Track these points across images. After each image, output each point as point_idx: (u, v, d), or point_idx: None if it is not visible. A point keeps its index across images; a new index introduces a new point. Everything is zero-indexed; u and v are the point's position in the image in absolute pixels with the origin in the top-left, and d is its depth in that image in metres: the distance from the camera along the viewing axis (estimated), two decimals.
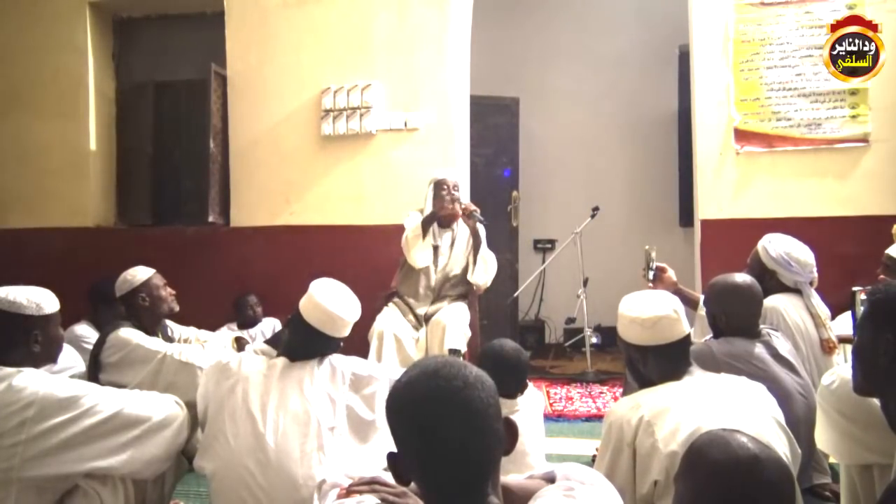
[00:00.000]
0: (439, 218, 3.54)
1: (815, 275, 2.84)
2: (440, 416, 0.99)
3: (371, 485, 1.17)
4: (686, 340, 1.88)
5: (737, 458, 1.10)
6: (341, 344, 2.19)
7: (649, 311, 1.85)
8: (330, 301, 2.08)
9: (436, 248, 3.59)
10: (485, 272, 3.57)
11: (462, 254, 3.61)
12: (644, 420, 1.69)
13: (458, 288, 3.64)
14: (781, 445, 1.69)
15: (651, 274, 2.86)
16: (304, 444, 1.95)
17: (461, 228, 3.62)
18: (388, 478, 1.15)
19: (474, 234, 3.54)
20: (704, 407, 1.69)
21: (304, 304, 2.10)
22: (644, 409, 1.72)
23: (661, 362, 1.86)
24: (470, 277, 3.57)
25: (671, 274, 2.88)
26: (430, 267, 3.58)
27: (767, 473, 1.08)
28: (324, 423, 1.97)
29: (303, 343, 2.12)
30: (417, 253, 3.48)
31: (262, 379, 2.03)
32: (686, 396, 1.74)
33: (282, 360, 2.09)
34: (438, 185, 3.61)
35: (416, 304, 3.56)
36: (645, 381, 1.93)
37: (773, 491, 1.08)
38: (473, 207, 3.52)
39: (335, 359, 2.13)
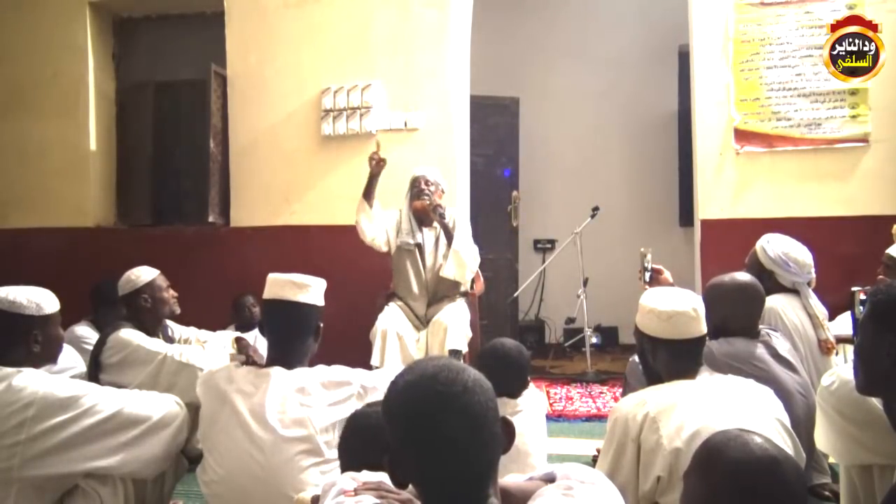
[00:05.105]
0: (416, 214, 3.57)
1: (813, 275, 2.84)
2: (440, 421, 0.99)
3: (378, 490, 1.17)
4: (700, 341, 1.88)
5: (756, 458, 1.10)
6: (321, 324, 2.08)
7: (668, 305, 1.86)
8: (285, 274, 2.09)
9: (420, 247, 3.59)
10: (456, 266, 3.49)
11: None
12: (649, 416, 1.70)
13: (457, 287, 3.62)
14: (786, 448, 1.69)
15: (647, 276, 2.86)
16: (299, 455, 1.88)
17: None
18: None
19: (444, 229, 3.53)
20: (710, 406, 1.70)
21: (265, 291, 2.08)
22: (650, 405, 1.72)
23: (671, 358, 1.87)
24: (441, 273, 3.53)
25: (668, 276, 2.88)
26: (419, 266, 3.57)
27: (785, 474, 1.09)
28: (320, 433, 1.91)
29: (278, 325, 2.05)
30: (362, 222, 3.53)
31: (254, 390, 1.95)
32: (692, 395, 1.75)
33: (275, 370, 1.99)
34: (413, 182, 3.63)
35: (413, 304, 3.56)
36: (652, 375, 1.94)
37: (789, 492, 1.09)
38: (437, 203, 3.52)
39: (336, 370, 2.05)
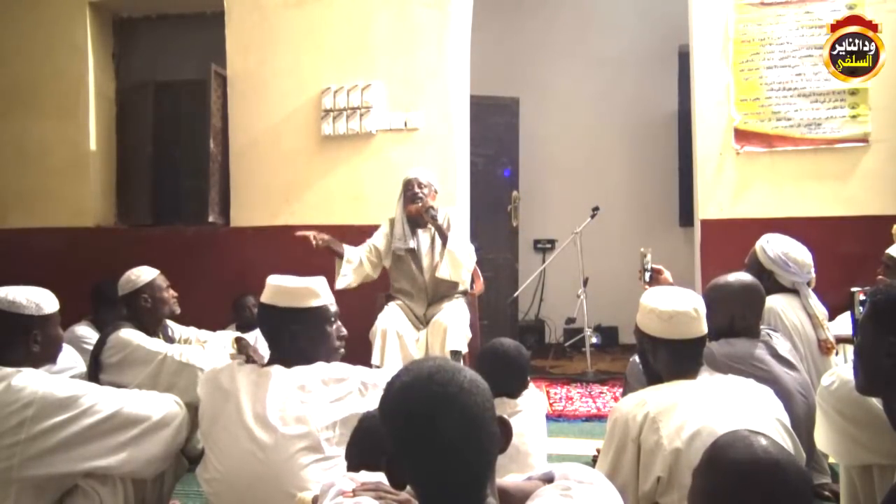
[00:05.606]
0: (410, 218, 3.54)
1: (813, 275, 2.84)
2: (436, 421, 0.99)
3: (376, 491, 1.17)
4: (701, 341, 1.88)
5: (757, 459, 1.11)
6: (293, 327, 2.03)
7: (668, 305, 1.86)
8: (282, 279, 2.07)
9: (413, 252, 3.58)
10: (451, 267, 3.45)
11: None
12: (649, 416, 1.70)
13: (457, 286, 3.59)
14: (786, 448, 1.69)
15: (647, 276, 2.86)
16: (300, 453, 1.87)
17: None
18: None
19: (438, 230, 3.52)
20: (710, 406, 1.70)
21: (263, 294, 2.08)
22: (650, 405, 1.72)
23: (671, 358, 1.87)
24: (436, 274, 3.50)
25: (667, 275, 2.89)
26: (413, 270, 3.57)
27: (790, 477, 1.10)
28: (321, 430, 1.90)
29: (267, 328, 2.08)
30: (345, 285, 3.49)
31: (255, 388, 1.95)
32: (692, 395, 1.75)
33: (275, 368, 2.00)
34: (406, 185, 3.61)
35: (412, 304, 3.56)
36: (652, 375, 1.94)
37: (791, 493, 1.09)
38: (430, 205, 3.50)
39: (336, 367, 2.04)
